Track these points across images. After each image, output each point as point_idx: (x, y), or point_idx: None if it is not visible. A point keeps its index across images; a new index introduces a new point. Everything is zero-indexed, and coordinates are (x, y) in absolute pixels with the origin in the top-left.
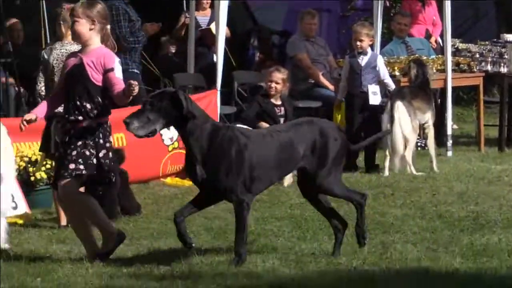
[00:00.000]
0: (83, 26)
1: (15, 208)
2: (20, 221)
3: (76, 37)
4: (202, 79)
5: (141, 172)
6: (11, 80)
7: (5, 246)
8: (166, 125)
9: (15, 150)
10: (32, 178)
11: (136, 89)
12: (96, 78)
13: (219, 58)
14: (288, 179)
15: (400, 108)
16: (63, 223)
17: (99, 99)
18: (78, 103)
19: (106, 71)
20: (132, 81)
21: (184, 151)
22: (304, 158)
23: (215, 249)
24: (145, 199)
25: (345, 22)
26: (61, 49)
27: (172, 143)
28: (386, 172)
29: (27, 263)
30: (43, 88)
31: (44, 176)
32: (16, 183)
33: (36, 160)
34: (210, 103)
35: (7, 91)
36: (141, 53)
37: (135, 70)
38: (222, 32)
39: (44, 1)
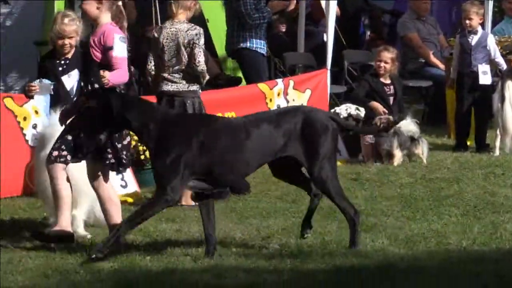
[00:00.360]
0: (90, 5)
1: (124, 186)
2: (130, 200)
3: (85, 16)
4: (312, 58)
5: None
6: None
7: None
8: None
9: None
10: (142, 157)
11: (106, 82)
12: (98, 57)
13: (329, 37)
14: (398, 159)
15: (511, 87)
16: (182, 202)
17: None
18: (88, 83)
19: (106, 50)
20: (102, 73)
21: None
22: (289, 148)
23: (324, 229)
24: (255, 178)
25: (456, 0)
26: (171, 28)
27: None
28: (497, 152)
29: (137, 241)
30: (153, 67)
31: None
32: None
33: None
34: (320, 82)
35: None
36: None
37: (259, 51)
38: (332, 11)
39: None
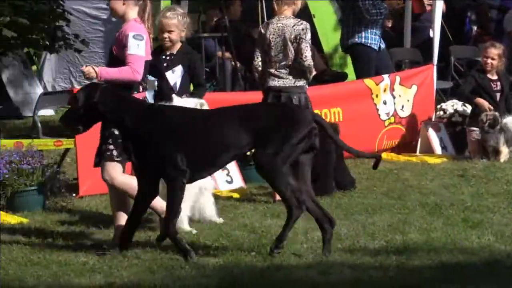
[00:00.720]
0: (115, 3)
1: (230, 182)
2: (236, 195)
3: (113, 14)
4: (419, 54)
5: (357, 147)
6: (227, 54)
7: (219, 219)
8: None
9: None
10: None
11: (91, 73)
12: (118, 53)
13: (435, 33)
14: (505, 155)
15: None
16: (278, 197)
17: None
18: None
19: (123, 47)
20: (83, 69)
21: (400, 126)
22: (258, 142)
23: (430, 225)
24: (360, 174)
25: None
26: (277, 24)
27: (389, 118)
28: None
29: (242, 237)
30: (260, 63)
31: None
32: None
33: None
34: (426, 78)
35: (223, 66)
36: None
37: (373, 46)
38: (439, 7)
39: None
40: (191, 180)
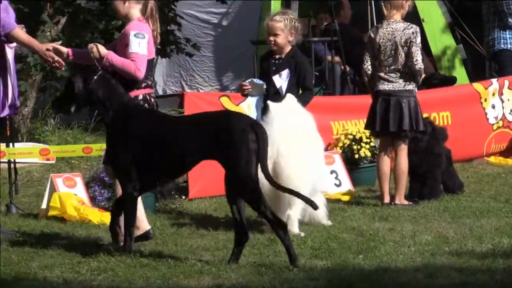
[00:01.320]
0: (118, 3)
1: (339, 185)
2: (345, 198)
3: (117, 15)
4: None
5: (465, 150)
6: (337, 58)
7: (328, 222)
8: (79, 106)
9: (341, 127)
10: (356, 156)
11: (95, 53)
12: (121, 52)
13: None
14: None
15: None
16: (386, 200)
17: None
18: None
19: (126, 46)
20: (90, 45)
21: (508, 130)
22: (214, 151)
23: None
24: (468, 177)
25: None
26: (387, 28)
27: (497, 122)
28: None
29: (350, 240)
30: (369, 67)
31: (368, 154)
32: (341, 160)
33: (361, 138)
34: None
35: (333, 70)
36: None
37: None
38: None
39: None
40: (142, 191)
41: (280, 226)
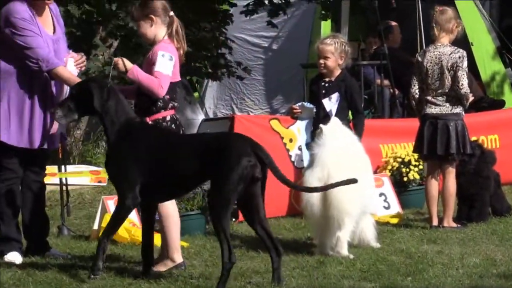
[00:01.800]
0: (143, 27)
1: (387, 208)
2: (393, 221)
3: (145, 40)
4: None
5: None
6: (386, 82)
7: (377, 244)
8: (84, 115)
9: (390, 150)
10: (405, 179)
11: (120, 66)
12: (147, 72)
13: None
14: None
15: None
16: (435, 223)
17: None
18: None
19: (152, 65)
20: (116, 60)
21: None
22: (210, 171)
23: None
24: None
25: None
26: (434, 51)
27: None
28: None
29: (398, 262)
30: (417, 91)
31: (417, 176)
32: (389, 183)
33: (409, 160)
34: None
35: (382, 93)
36: None
37: None
38: None
39: (420, 4)
40: (138, 205)
41: (276, 251)
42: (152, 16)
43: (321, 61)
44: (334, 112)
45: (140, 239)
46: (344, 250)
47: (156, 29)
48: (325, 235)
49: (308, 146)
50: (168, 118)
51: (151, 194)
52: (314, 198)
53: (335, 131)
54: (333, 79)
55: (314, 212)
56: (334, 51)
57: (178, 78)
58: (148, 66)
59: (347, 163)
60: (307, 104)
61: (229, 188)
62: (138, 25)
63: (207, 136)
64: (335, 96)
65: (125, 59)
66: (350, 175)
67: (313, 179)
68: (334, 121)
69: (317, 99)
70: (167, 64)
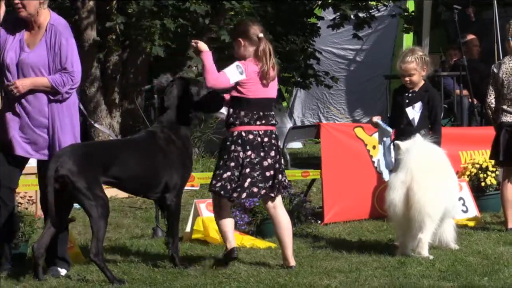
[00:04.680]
0: (235, 47)
1: (465, 211)
2: (471, 224)
3: (236, 56)
4: None
5: None
6: (465, 92)
7: (455, 246)
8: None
9: (468, 157)
10: (483, 184)
11: (195, 47)
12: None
13: None
14: None
15: None
16: (510, 226)
17: (230, 109)
18: None
19: None
20: (194, 40)
21: None
22: None
23: None
24: None
25: None
26: (509, 63)
27: None
28: None
29: (475, 263)
30: (493, 100)
31: (494, 182)
32: (468, 188)
33: (487, 166)
34: None
35: (461, 103)
36: None
37: None
38: None
39: (498, 18)
40: None
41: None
42: (240, 40)
43: (406, 78)
44: (416, 120)
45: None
46: (425, 251)
47: (244, 50)
48: (407, 236)
49: (388, 164)
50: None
51: None
52: (397, 200)
53: (418, 144)
54: (416, 89)
55: (396, 213)
56: (417, 67)
57: (259, 95)
58: None
59: (431, 168)
60: (385, 126)
61: None
62: (233, 45)
63: None
64: (418, 105)
65: (201, 42)
66: (432, 180)
67: (397, 182)
68: (418, 138)
69: (400, 108)
70: (235, 72)
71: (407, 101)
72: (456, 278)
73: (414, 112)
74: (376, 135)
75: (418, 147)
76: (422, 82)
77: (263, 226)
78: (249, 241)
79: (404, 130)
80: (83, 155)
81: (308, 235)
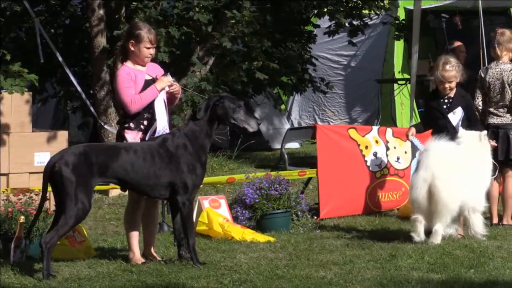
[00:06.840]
0: None
1: None
2: None
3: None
4: None
5: None
6: None
7: (483, 238)
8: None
9: None
10: None
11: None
12: None
13: None
14: None
15: None
16: (495, 221)
17: None
18: None
19: None
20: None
21: None
22: None
23: None
24: None
25: None
26: (495, 68)
27: None
28: None
29: (462, 256)
30: (480, 103)
31: None
32: None
33: None
34: None
35: None
36: None
37: None
38: None
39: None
40: None
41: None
42: None
43: (446, 85)
44: (460, 125)
45: (232, 233)
46: (437, 241)
47: None
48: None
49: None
50: None
51: None
52: (421, 196)
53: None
54: (452, 95)
55: (419, 202)
56: (457, 74)
57: None
58: None
59: (451, 165)
60: (418, 144)
61: None
62: None
63: None
64: (459, 111)
65: (163, 80)
66: (451, 176)
67: (418, 180)
68: (462, 133)
69: (435, 114)
70: None
71: (446, 107)
72: (444, 270)
73: (456, 118)
74: (368, 136)
75: (439, 147)
76: (455, 88)
77: (262, 221)
78: (250, 235)
79: (451, 136)
80: (80, 156)
81: (305, 230)
